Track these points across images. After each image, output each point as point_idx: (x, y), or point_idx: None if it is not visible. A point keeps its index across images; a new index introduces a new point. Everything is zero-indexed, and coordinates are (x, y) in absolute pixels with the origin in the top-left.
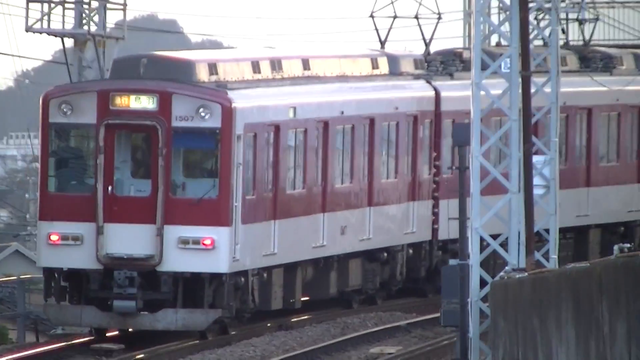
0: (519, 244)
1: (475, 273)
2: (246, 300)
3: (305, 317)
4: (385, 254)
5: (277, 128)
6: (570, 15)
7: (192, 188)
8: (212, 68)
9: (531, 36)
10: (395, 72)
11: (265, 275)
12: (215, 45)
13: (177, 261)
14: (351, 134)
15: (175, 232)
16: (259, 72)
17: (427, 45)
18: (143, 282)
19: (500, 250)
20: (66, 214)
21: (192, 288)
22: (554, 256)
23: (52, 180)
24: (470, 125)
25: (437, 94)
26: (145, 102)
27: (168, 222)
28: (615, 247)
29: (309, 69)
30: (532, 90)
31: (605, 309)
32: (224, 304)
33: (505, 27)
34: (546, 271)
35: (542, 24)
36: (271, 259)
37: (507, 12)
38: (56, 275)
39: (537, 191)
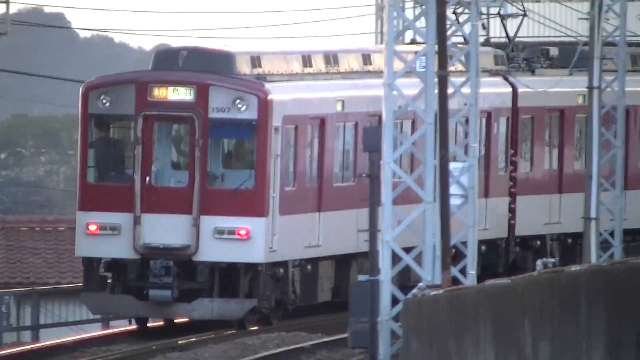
0: (434, 258)
1: (386, 290)
2: (286, 292)
3: (205, 337)
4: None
5: (322, 121)
6: (493, 10)
7: (228, 179)
8: (255, 60)
9: (449, 32)
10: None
11: (309, 267)
12: (106, 40)
13: (213, 251)
14: (411, 129)
15: (211, 222)
16: (310, 66)
17: (510, 41)
18: (179, 272)
19: (414, 265)
20: (104, 204)
21: (228, 278)
22: (472, 272)
23: (91, 171)
24: (380, 129)
25: (515, 90)
26: (183, 94)
27: (204, 212)
28: (539, 262)
29: (369, 64)
30: (450, 91)
31: (527, 328)
32: (260, 294)
33: (421, 23)
34: (463, 288)
35: (461, 19)
36: (315, 251)
37: (423, 7)
38: (94, 264)
39: (454, 201)
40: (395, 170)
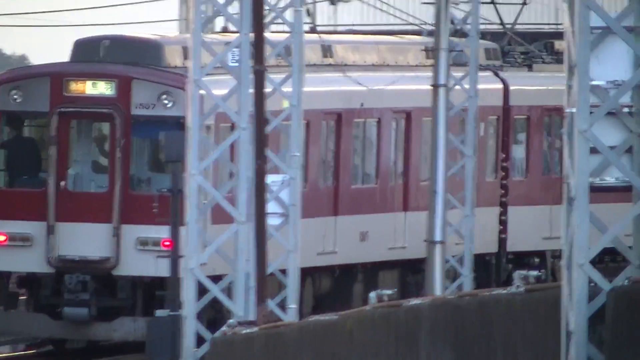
0: (247, 289)
1: (190, 326)
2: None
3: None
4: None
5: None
6: None
7: (154, 183)
8: (187, 52)
9: (267, 19)
10: (457, 62)
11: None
12: None
13: (135, 264)
14: (376, 131)
15: (133, 232)
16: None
17: (506, 33)
18: (98, 287)
19: (223, 298)
20: (15, 212)
21: (153, 294)
22: (293, 305)
23: (0, 175)
24: (183, 134)
25: (506, 87)
26: (103, 88)
27: (126, 220)
28: (372, 295)
29: (330, 57)
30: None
31: None
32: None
33: (234, 8)
34: (283, 325)
35: (281, 4)
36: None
37: None
38: (4, 279)
39: (272, 221)
40: (202, 185)
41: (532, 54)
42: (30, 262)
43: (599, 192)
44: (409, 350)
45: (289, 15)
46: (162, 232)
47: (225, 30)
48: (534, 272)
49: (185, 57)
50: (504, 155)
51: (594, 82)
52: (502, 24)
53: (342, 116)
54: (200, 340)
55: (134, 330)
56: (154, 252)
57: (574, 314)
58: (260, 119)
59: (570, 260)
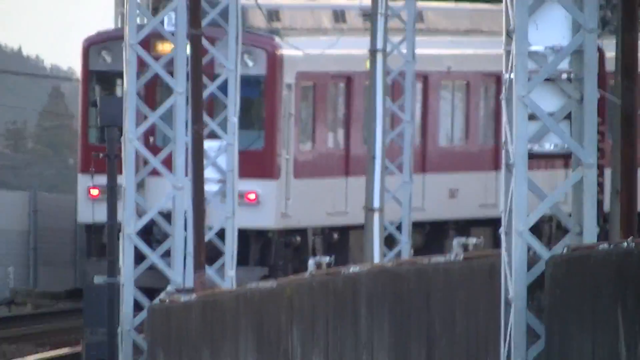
0: (185, 255)
1: (128, 294)
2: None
3: None
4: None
5: (348, 79)
6: None
7: (241, 139)
8: (272, 14)
9: None
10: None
11: (335, 235)
12: None
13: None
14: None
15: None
16: (343, 22)
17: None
18: None
19: (162, 264)
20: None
21: (238, 245)
22: (231, 272)
23: (93, 132)
24: (121, 99)
25: (602, 53)
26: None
27: None
28: (311, 262)
29: (422, 22)
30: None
31: (297, 339)
32: (272, 262)
33: None
34: (220, 292)
35: None
36: (341, 219)
37: None
38: (97, 231)
39: (210, 186)
40: (139, 149)
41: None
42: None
43: (538, 159)
44: (347, 318)
45: None
46: (245, 185)
47: None
48: (474, 239)
49: (270, 19)
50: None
51: (532, 48)
52: None
53: (428, 78)
54: (138, 308)
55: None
56: (237, 205)
57: (513, 282)
58: (198, 83)
59: (509, 227)
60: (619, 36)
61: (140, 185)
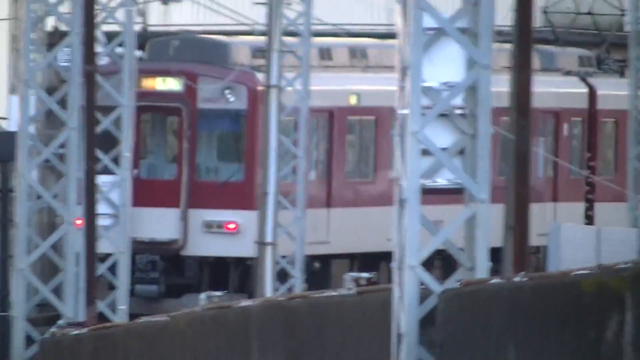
0: (77, 289)
1: (20, 328)
2: (291, 288)
3: None
4: None
5: (330, 114)
6: None
7: (220, 171)
8: (256, 51)
9: (99, 19)
10: (547, 67)
11: (316, 264)
12: None
13: (201, 245)
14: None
15: (199, 215)
16: (329, 59)
17: (603, 41)
18: (167, 266)
19: (52, 298)
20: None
21: (218, 273)
22: (122, 307)
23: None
24: (14, 134)
25: (593, 91)
26: (172, 84)
27: (192, 205)
28: (202, 296)
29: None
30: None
31: None
32: (251, 289)
33: (67, 7)
34: (112, 326)
35: (113, 3)
36: (323, 247)
37: None
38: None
39: (103, 221)
40: (33, 185)
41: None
42: (105, 243)
43: (432, 194)
44: (239, 351)
45: (120, 14)
46: (226, 215)
47: (56, 29)
48: (366, 274)
49: (254, 56)
50: (589, 155)
51: (426, 84)
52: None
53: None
54: (30, 341)
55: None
56: (218, 234)
57: (405, 316)
58: (91, 118)
59: (402, 262)
60: (514, 73)
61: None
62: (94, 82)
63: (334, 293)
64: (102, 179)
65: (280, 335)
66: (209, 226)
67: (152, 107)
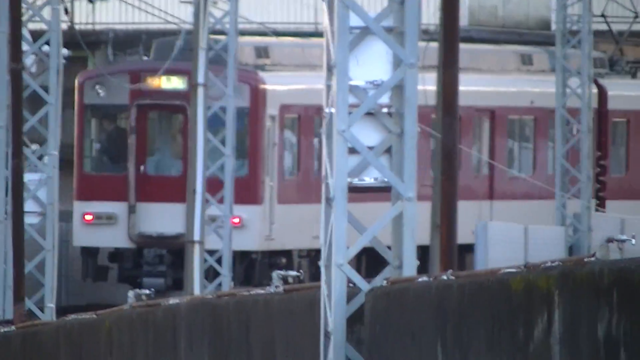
0: (4, 288)
1: None
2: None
3: None
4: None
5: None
6: None
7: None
8: (260, 51)
9: (25, 17)
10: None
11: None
12: None
13: (206, 239)
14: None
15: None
16: (267, 58)
17: (617, 43)
18: (174, 260)
19: None
20: (101, 194)
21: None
22: (50, 305)
23: (87, 161)
24: None
25: (603, 92)
26: (176, 83)
27: None
28: (130, 294)
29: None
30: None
31: None
32: (256, 282)
33: None
34: (40, 324)
35: (39, 2)
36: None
37: None
38: (91, 254)
39: (29, 219)
40: None
41: None
42: (114, 238)
43: (360, 192)
44: (167, 350)
45: (46, 13)
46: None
47: None
48: (293, 272)
49: (258, 55)
50: (599, 154)
51: (352, 82)
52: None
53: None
54: None
55: None
56: (221, 228)
57: (333, 314)
58: (18, 117)
59: (329, 260)
60: (439, 72)
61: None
62: (21, 81)
63: (261, 291)
64: (29, 177)
65: (208, 333)
66: (213, 220)
67: (158, 106)
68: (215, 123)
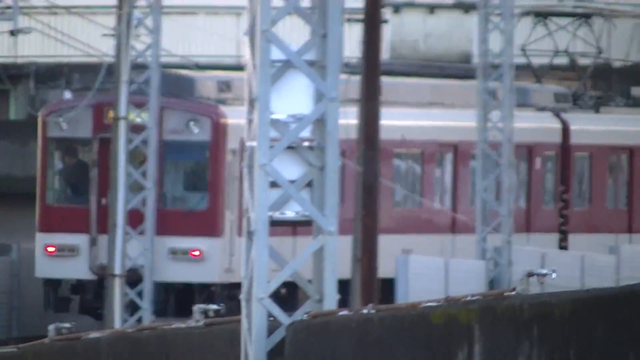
0: None
1: None
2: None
3: None
4: None
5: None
6: (5, 26)
7: (186, 200)
8: (222, 85)
9: None
10: (523, 103)
11: (282, 290)
12: None
13: (167, 271)
14: (417, 161)
15: (166, 242)
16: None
17: (581, 79)
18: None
19: None
20: (63, 226)
21: (184, 298)
22: None
23: (50, 193)
24: None
25: (566, 127)
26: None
27: (159, 233)
28: (51, 327)
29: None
30: None
31: None
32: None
33: None
34: None
35: None
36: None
37: None
38: (53, 285)
39: None
40: None
41: (606, 98)
42: (76, 270)
43: (281, 226)
44: None
45: None
46: (190, 242)
47: None
48: (214, 306)
49: (220, 89)
50: (562, 187)
51: (274, 116)
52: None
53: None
54: None
55: None
56: (184, 260)
57: (253, 348)
58: None
59: (250, 294)
60: (362, 105)
61: None
62: None
63: (181, 325)
64: None
65: None
66: (174, 253)
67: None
68: (175, 155)
